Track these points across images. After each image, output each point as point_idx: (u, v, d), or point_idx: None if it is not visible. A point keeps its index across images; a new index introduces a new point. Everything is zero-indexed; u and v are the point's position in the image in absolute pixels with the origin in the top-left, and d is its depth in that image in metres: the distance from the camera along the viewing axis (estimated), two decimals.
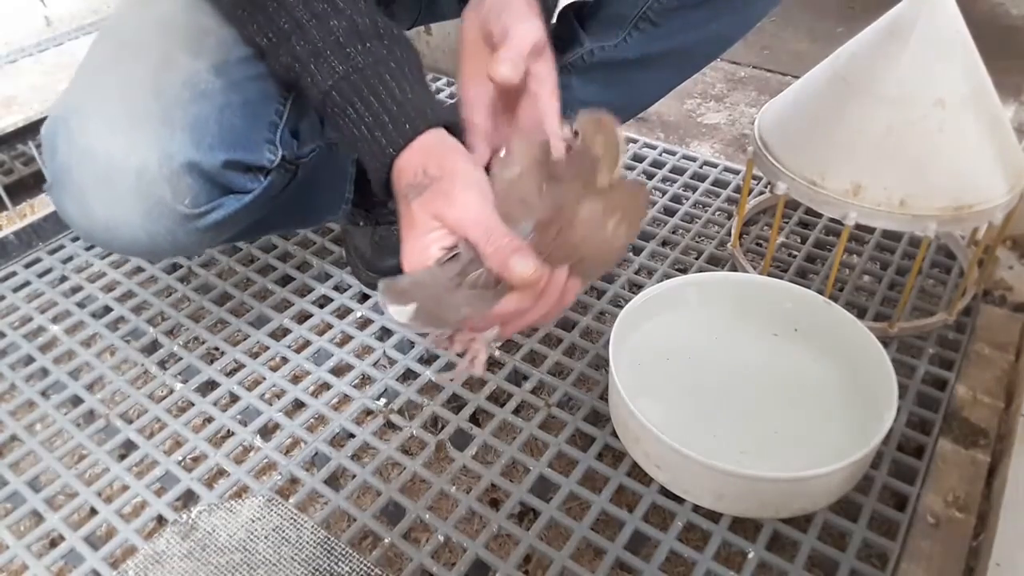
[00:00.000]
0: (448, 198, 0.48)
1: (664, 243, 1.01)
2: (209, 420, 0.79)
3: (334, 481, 0.74)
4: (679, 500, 0.69)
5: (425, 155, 0.50)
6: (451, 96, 1.31)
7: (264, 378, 0.82)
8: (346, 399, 0.80)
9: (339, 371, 0.83)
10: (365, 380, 0.83)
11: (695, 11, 0.75)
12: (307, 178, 0.77)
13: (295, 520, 0.68)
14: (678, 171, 1.13)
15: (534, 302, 0.49)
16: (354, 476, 0.72)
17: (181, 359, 0.85)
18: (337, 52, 0.53)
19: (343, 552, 0.66)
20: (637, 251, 0.98)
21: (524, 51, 0.53)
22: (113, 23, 0.67)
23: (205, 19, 0.62)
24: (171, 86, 0.59)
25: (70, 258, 1.00)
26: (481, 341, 0.47)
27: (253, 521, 0.68)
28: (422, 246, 0.48)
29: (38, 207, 1.11)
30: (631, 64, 0.76)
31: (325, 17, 0.54)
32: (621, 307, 0.77)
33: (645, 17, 0.74)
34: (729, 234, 1.00)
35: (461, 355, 0.51)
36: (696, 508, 0.68)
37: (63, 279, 0.97)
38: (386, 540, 0.67)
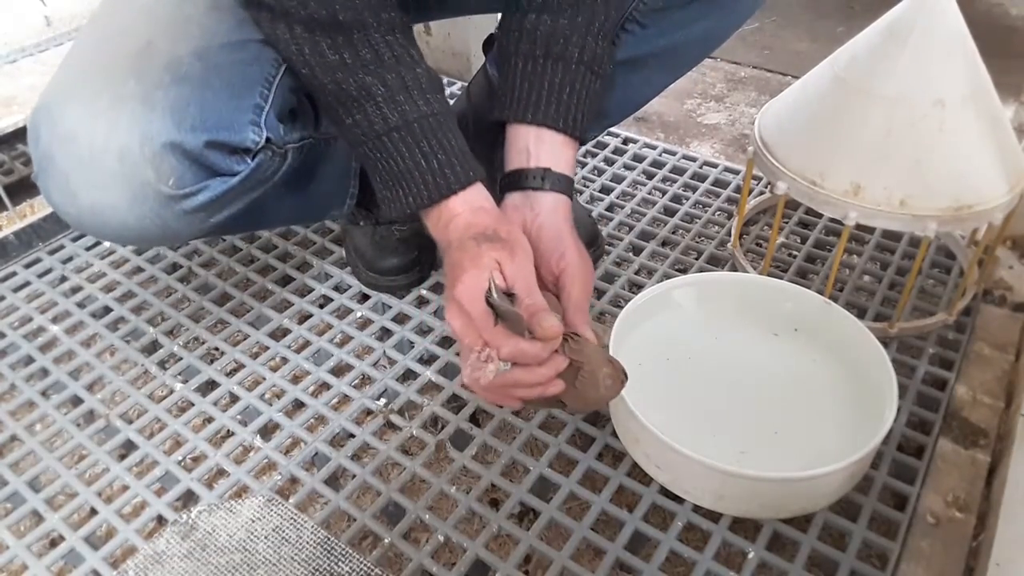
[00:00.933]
0: (511, 254, 0.59)
1: (664, 243, 1.01)
2: (209, 420, 0.79)
3: (334, 481, 0.74)
4: (679, 500, 0.69)
5: (495, 220, 0.62)
6: (450, 96, 1.31)
7: (264, 378, 0.82)
8: (346, 399, 0.80)
9: (339, 371, 0.83)
10: (365, 380, 0.83)
11: (681, 11, 0.75)
12: (310, 169, 0.77)
13: (295, 520, 0.68)
14: (678, 171, 1.13)
15: (545, 358, 0.57)
16: (354, 476, 0.72)
17: (181, 359, 0.85)
18: (420, 94, 0.63)
19: (343, 552, 0.66)
20: (637, 251, 0.98)
21: (586, 308, 0.64)
22: (97, 15, 0.67)
23: (188, 8, 0.64)
24: (152, 69, 0.60)
25: (70, 258, 1.00)
26: (495, 364, 0.56)
27: (253, 521, 0.68)
28: (484, 279, 0.57)
29: (38, 207, 1.11)
30: (620, 66, 0.76)
31: (409, 63, 0.63)
32: (621, 307, 0.77)
33: (632, 18, 0.73)
34: (729, 234, 1.00)
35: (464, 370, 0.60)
36: (696, 508, 0.68)
37: (63, 279, 0.97)
38: (386, 540, 0.67)
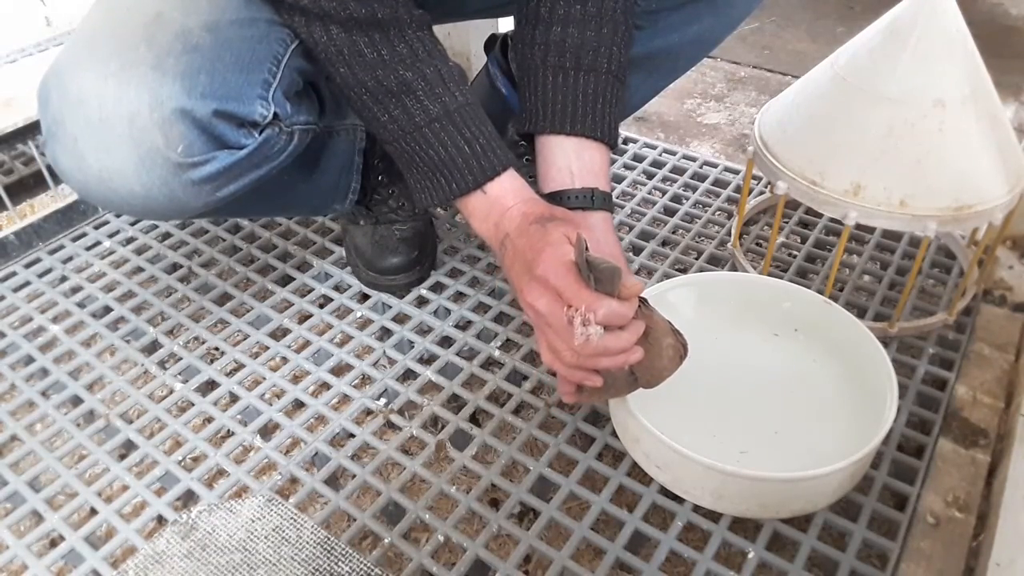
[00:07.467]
0: (576, 228, 0.60)
1: (664, 243, 1.01)
2: (209, 420, 0.79)
3: (334, 481, 0.74)
4: (679, 500, 0.69)
5: (548, 207, 0.64)
6: None
7: (264, 378, 0.82)
8: (346, 399, 0.80)
9: (339, 371, 0.83)
10: (365, 380, 0.83)
11: (675, 13, 0.75)
12: (314, 158, 0.77)
13: (295, 520, 0.68)
14: (678, 171, 1.13)
15: (630, 316, 0.58)
16: (354, 476, 0.72)
17: (181, 359, 0.85)
18: (456, 86, 0.65)
19: (343, 552, 0.66)
20: (637, 251, 0.98)
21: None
22: None
23: None
24: (163, 38, 0.60)
25: (70, 258, 1.00)
26: (595, 328, 0.56)
27: (253, 521, 0.68)
28: (562, 252, 0.58)
29: (38, 207, 1.11)
30: None
31: (440, 57, 0.66)
32: None
33: None
34: (729, 234, 1.00)
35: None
36: (696, 508, 0.68)
37: (63, 279, 0.97)
38: (386, 540, 0.67)
